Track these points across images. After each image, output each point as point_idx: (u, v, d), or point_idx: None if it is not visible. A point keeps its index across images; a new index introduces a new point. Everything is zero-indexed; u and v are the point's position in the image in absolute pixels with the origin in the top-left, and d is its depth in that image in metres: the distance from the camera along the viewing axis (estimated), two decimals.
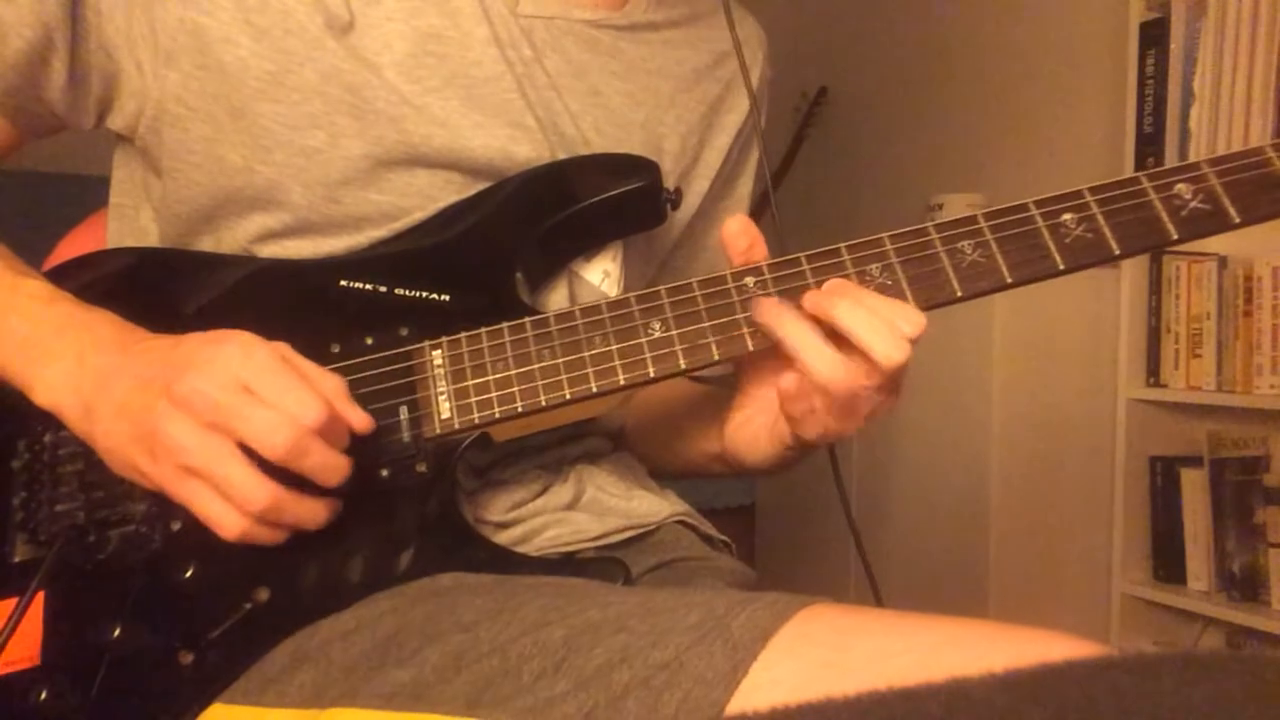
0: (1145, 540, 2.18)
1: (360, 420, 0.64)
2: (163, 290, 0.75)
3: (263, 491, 0.60)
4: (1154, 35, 2.16)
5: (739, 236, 0.69)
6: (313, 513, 0.63)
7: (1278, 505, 1.99)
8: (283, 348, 0.63)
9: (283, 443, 0.59)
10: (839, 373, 0.63)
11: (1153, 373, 2.15)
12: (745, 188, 0.94)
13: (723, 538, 0.89)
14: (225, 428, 0.59)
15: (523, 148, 0.75)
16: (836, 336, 0.64)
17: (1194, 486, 2.11)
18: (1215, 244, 2.08)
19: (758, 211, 0.96)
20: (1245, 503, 2.03)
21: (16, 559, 0.68)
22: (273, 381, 0.60)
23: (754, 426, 0.74)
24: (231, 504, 0.60)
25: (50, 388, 0.66)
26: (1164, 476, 2.16)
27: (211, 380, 0.60)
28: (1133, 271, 2.16)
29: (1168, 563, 2.15)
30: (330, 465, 0.62)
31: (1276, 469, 2.02)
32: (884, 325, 0.63)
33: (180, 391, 0.60)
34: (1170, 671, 0.40)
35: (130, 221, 0.81)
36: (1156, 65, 2.15)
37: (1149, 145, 2.15)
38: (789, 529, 2.70)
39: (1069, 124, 2.53)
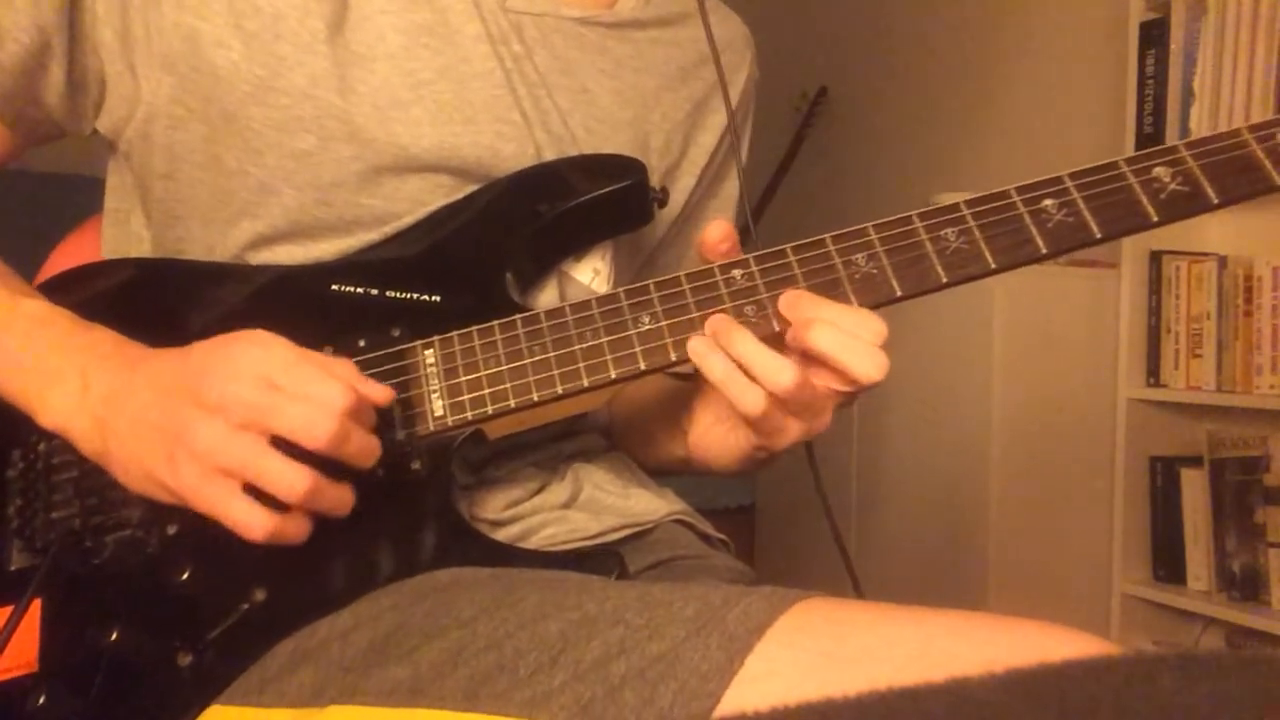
0: (1145, 540, 2.18)
1: (381, 393, 0.64)
2: (159, 300, 0.75)
3: (303, 478, 0.60)
4: (1154, 35, 2.16)
5: (721, 242, 0.69)
6: (343, 498, 0.63)
7: (1278, 505, 1.99)
8: (289, 343, 0.63)
9: (325, 432, 0.60)
10: (760, 408, 0.65)
11: (1153, 373, 2.15)
12: (733, 188, 0.94)
13: (721, 536, 0.89)
14: (260, 425, 0.60)
15: (510, 145, 0.75)
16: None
17: (1194, 486, 2.11)
18: (1215, 244, 2.08)
19: (753, 214, 0.96)
20: (1245, 503, 2.03)
21: (13, 567, 0.68)
22: (297, 374, 0.61)
23: (718, 432, 0.75)
24: (260, 506, 0.60)
25: (56, 410, 0.65)
26: (1164, 476, 2.16)
27: (239, 381, 0.60)
28: (1133, 271, 2.16)
29: (1168, 563, 2.15)
30: (367, 447, 0.63)
31: (1276, 469, 2.02)
32: (861, 346, 0.64)
33: (209, 397, 0.60)
34: (1170, 671, 0.40)
35: (123, 226, 0.81)
36: (1156, 65, 2.15)
37: (1149, 145, 2.13)
38: (789, 529, 2.70)
39: (1069, 124, 2.53)
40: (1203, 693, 0.39)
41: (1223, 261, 2.06)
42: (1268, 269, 1.99)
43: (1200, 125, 2.09)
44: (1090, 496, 2.20)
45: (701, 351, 0.66)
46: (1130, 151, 2.23)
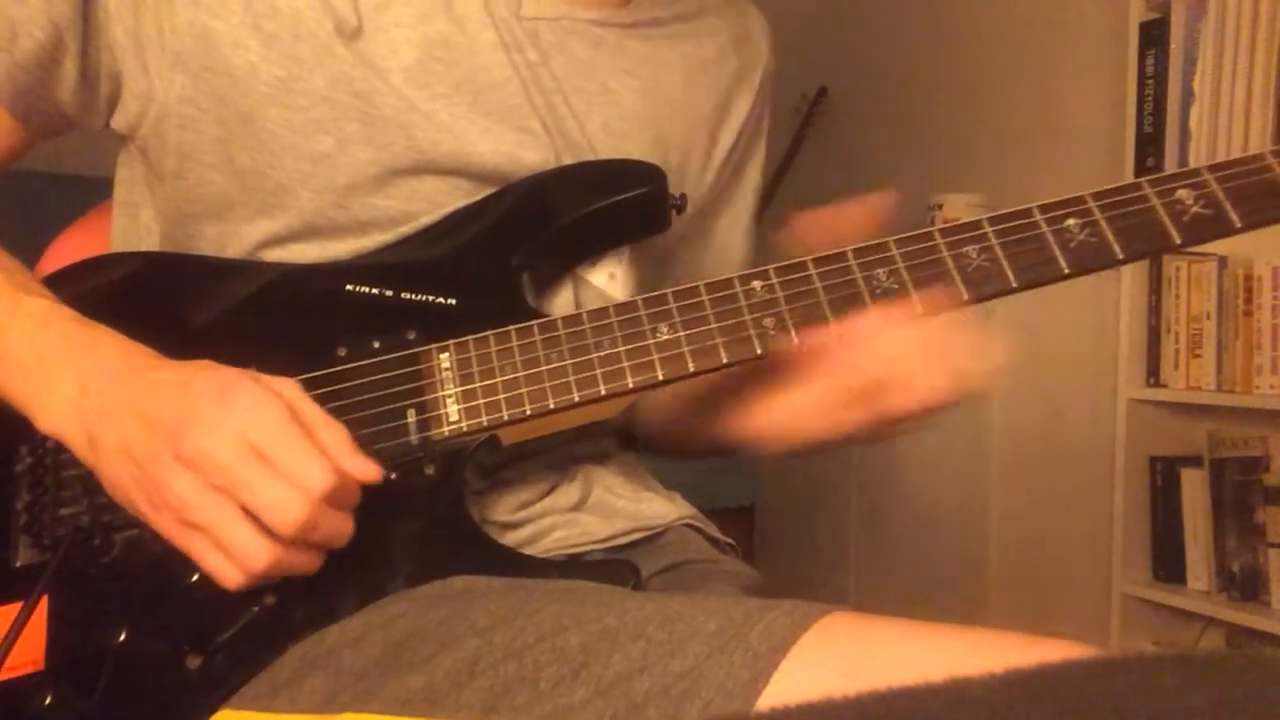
0: (1145, 540, 2.18)
1: (369, 471, 0.62)
2: (170, 296, 0.74)
3: (265, 554, 0.59)
4: (1154, 35, 2.16)
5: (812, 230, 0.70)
6: (311, 565, 0.62)
7: (1278, 505, 1.99)
8: (291, 391, 0.62)
9: (293, 521, 0.58)
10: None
11: (1153, 373, 2.15)
12: (753, 180, 0.94)
13: (728, 540, 0.89)
14: (231, 493, 0.58)
15: (529, 152, 0.75)
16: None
17: (1194, 486, 2.11)
18: (1215, 244, 2.07)
19: (761, 206, 0.96)
20: (1245, 503, 2.03)
21: (20, 563, 0.68)
22: (280, 446, 0.59)
23: (814, 411, 0.71)
24: (230, 561, 0.60)
25: (53, 416, 0.65)
26: (1164, 476, 2.16)
27: (218, 441, 0.58)
28: (1133, 271, 2.16)
29: (1168, 563, 2.15)
30: (336, 533, 0.61)
31: (1276, 469, 2.02)
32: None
33: (186, 450, 0.59)
34: (1170, 672, 0.40)
35: (133, 219, 0.81)
36: (1156, 65, 2.15)
37: (1149, 145, 2.15)
38: (789, 529, 2.70)
39: (1069, 124, 2.53)
40: (1203, 694, 0.39)
41: (1223, 261, 2.06)
42: (1268, 269, 1.99)
43: (1200, 125, 2.09)
44: (1090, 496, 2.20)
45: None
46: (1131, 151, 2.24)
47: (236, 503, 0.58)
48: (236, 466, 0.58)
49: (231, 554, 0.59)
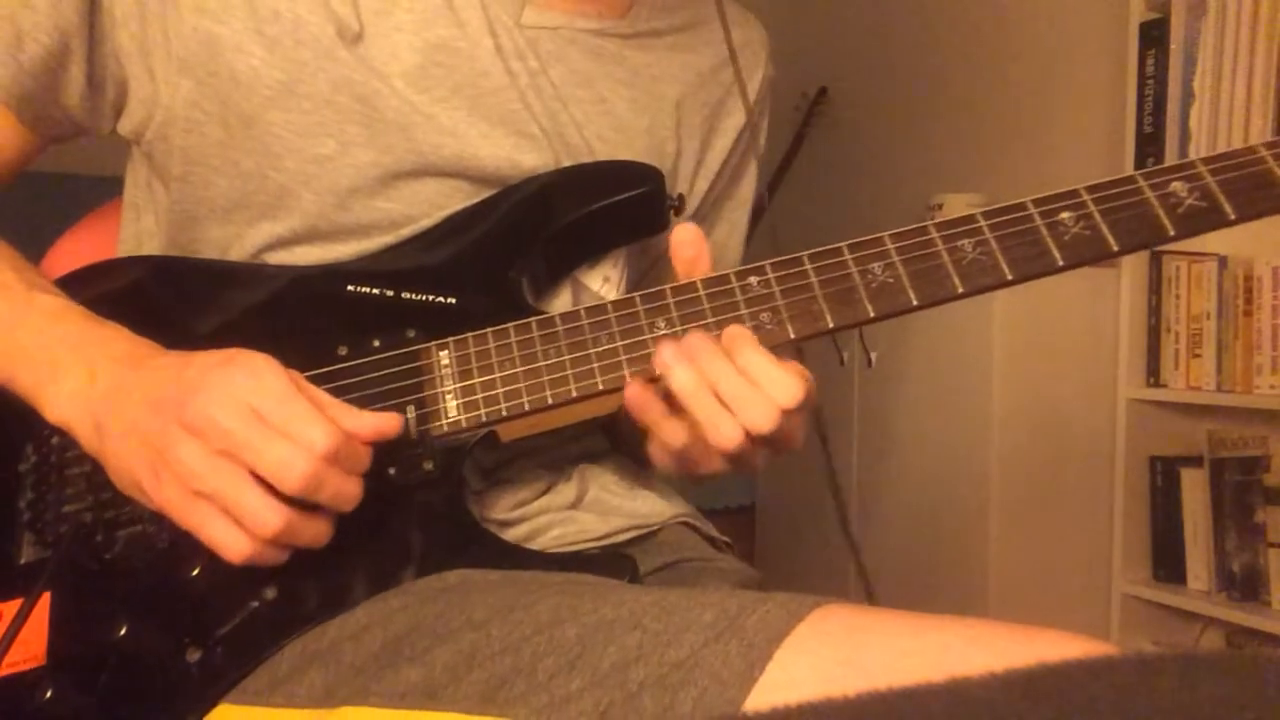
0: (1145, 540, 2.18)
1: (385, 423, 0.63)
2: (176, 300, 0.75)
3: (276, 517, 0.59)
4: (1154, 35, 2.16)
5: (687, 245, 0.70)
6: (321, 533, 0.62)
7: (1278, 505, 1.99)
8: (293, 374, 0.62)
9: (298, 476, 0.59)
10: (736, 441, 0.63)
11: (1153, 373, 2.15)
12: (748, 189, 0.94)
13: (724, 539, 0.89)
14: (237, 457, 0.59)
15: (529, 156, 0.76)
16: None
17: (1194, 486, 2.11)
18: (1215, 244, 2.08)
19: (756, 215, 0.96)
20: (1245, 503, 2.03)
21: (22, 560, 0.68)
22: (284, 410, 0.60)
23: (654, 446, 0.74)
24: (240, 528, 0.60)
25: (61, 405, 0.65)
26: (1164, 476, 2.15)
27: (221, 406, 0.59)
28: (1133, 271, 2.16)
29: (1168, 563, 2.15)
30: (345, 494, 0.61)
31: (1276, 469, 2.02)
32: (759, 398, 0.63)
33: (190, 417, 0.59)
34: (1170, 671, 0.40)
35: (136, 223, 0.82)
36: (1156, 65, 2.15)
37: (1149, 145, 2.15)
38: (789, 529, 2.71)
39: (1069, 124, 2.54)
40: (1203, 693, 0.39)
41: (1223, 261, 2.07)
42: (1268, 269, 1.99)
43: (1200, 125, 2.09)
44: (1090, 496, 2.20)
45: (671, 363, 0.64)
46: (1131, 151, 2.24)
47: (243, 467, 0.59)
48: (239, 429, 0.59)
49: (241, 518, 0.59)
